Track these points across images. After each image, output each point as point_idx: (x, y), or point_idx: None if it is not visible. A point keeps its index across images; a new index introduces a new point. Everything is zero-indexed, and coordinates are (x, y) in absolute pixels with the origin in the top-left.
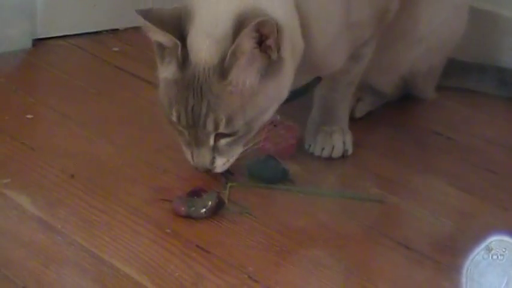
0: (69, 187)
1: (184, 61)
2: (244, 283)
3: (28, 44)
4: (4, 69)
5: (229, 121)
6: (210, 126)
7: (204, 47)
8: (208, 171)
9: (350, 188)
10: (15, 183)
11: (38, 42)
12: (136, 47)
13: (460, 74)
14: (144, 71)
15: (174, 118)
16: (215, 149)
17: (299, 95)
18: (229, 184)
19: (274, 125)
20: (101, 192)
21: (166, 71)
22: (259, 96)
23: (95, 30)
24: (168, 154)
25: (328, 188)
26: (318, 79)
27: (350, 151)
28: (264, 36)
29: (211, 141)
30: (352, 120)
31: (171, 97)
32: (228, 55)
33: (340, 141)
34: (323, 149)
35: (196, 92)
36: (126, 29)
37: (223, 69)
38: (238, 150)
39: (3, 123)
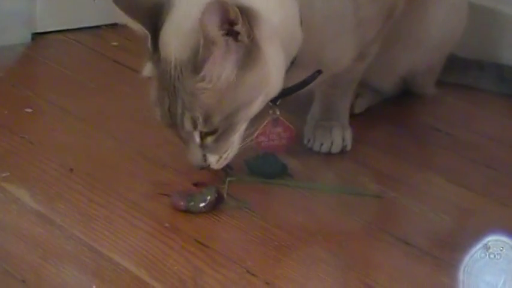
0: (68, 181)
1: (155, 56)
2: (242, 277)
3: (27, 38)
4: (3, 63)
5: (206, 119)
6: (188, 125)
7: (173, 41)
8: (206, 168)
9: (349, 183)
10: (15, 177)
11: (37, 36)
12: (135, 41)
13: (460, 70)
14: (143, 65)
15: (158, 118)
16: (204, 147)
17: (299, 88)
18: (228, 179)
19: (275, 124)
20: (100, 186)
21: (147, 68)
22: (238, 90)
23: (94, 24)
24: (167, 149)
25: (327, 183)
26: (318, 72)
27: (349, 147)
28: (232, 23)
29: (197, 140)
30: (351, 115)
31: (154, 98)
32: (201, 48)
33: (339, 136)
34: (322, 144)
35: (170, 90)
36: (125, 24)
37: (195, 64)
38: (229, 146)
39: (2, 117)
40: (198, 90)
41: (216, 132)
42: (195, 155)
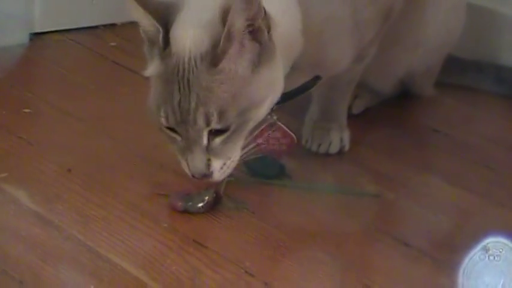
0: (67, 182)
1: (166, 50)
2: (241, 278)
3: (25, 38)
4: (1, 64)
5: (221, 114)
6: (200, 121)
7: (188, 36)
8: (206, 177)
9: (347, 184)
10: (13, 177)
11: (35, 36)
12: (134, 42)
13: (458, 71)
14: (142, 66)
15: (163, 120)
16: (209, 150)
17: (299, 93)
18: (226, 179)
19: (274, 129)
20: (98, 187)
21: (152, 67)
22: (252, 86)
23: (93, 25)
24: (165, 149)
25: (325, 183)
26: (317, 78)
27: (347, 147)
28: (253, 20)
29: (204, 140)
30: (350, 116)
31: (158, 96)
32: (222, 39)
33: (337, 137)
34: (320, 145)
35: (182, 84)
36: (123, 24)
37: (214, 57)
38: (234, 151)
39: (0, 118)
40: (214, 83)
41: (225, 132)
42: (199, 160)
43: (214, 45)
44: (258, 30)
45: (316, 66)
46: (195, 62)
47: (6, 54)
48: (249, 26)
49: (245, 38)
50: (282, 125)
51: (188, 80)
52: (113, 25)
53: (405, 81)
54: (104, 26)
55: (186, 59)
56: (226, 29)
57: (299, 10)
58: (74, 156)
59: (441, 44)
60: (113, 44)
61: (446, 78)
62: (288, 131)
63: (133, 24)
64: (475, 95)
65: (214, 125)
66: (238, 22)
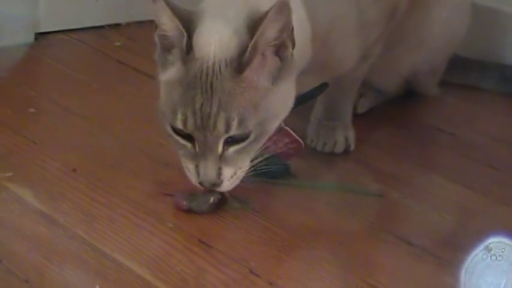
0: (71, 181)
1: (189, 55)
2: (246, 277)
3: (30, 38)
4: (6, 63)
5: (241, 121)
6: (221, 126)
7: (214, 41)
8: (215, 186)
9: (352, 183)
10: (18, 176)
11: (40, 36)
12: (139, 41)
13: (462, 70)
14: (147, 65)
15: (180, 123)
16: (222, 158)
17: (307, 100)
18: None
19: (282, 134)
20: (102, 186)
21: (170, 72)
22: (271, 99)
23: (97, 24)
24: (170, 148)
25: (329, 183)
26: (326, 85)
27: (352, 147)
28: (281, 32)
29: (220, 148)
30: (354, 116)
31: (175, 100)
32: (249, 48)
33: (342, 136)
34: (325, 144)
35: (205, 89)
36: (128, 24)
37: (239, 64)
38: (245, 161)
39: (5, 117)
40: (237, 90)
41: (241, 142)
42: (211, 168)
43: (240, 53)
44: (283, 44)
45: (322, 66)
46: (220, 67)
47: (11, 54)
48: (276, 38)
49: (268, 51)
50: (290, 130)
51: (211, 85)
52: (117, 25)
53: (410, 80)
54: (109, 25)
55: (210, 64)
56: (255, 38)
57: (308, 20)
58: (78, 155)
59: (446, 43)
60: (117, 43)
61: (450, 77)
62: (296, 136)
63: (138, 24)
64: (479, 94)
65: (234, 131)
66: (269, 32)
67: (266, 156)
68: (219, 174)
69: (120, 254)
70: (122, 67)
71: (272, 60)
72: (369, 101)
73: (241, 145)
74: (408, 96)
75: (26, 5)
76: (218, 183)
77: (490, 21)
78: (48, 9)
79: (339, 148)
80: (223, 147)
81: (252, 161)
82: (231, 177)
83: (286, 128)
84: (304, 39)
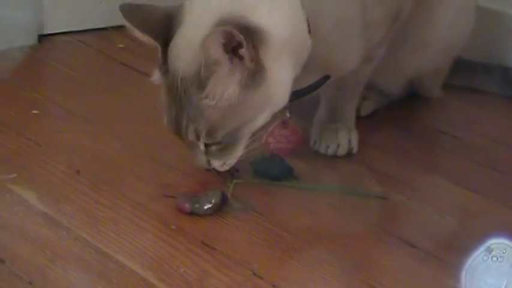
0: (75, 183)
1: (164, 67)
2: (248, 279)
3: (34, 40)
4: (10, 65)
5: (209, 133)
6: (191, 136)
7: (181, 55)
8: (211, 170)
9: (355, 185)
10: (21, 178)
11: (43, 38)
12: (142, 43)
13: (466, 73)
14: (150, 67)
15: (166, 124)
16: (208, 153)
17: (307, 93)
18: (234, 181)
19: (284, 126)
20: (106, 188)
21: (155, 76)
22: (241, 108)
23: (101, 26)
24: (173, 150)
25: (331, 185)
26: (326, 77)
27: (355, 149)
28: (236, 47)
29: (202, 147)
30: (358, 118)
31: (162, 103)
32: (203, 67)
33: (345, 139)
34: (328, 146)
35: (177, 101)
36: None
37: (200, 81)
38: (233, 155)
39: (9, 119)
40: (203, 105)
41: (220, 144)
42: (200, 160)
43: (198, 71)
44: (241, 58)
45: (325, 66)
46: (186, 82)
47: (14, 56)
48: (232, 53)
49: (233, 61)
50: (292, 122)
51: (181, 98)
52: (121, 27)
53: (414, 82)
54: (112, 27)
55: (179, 79)
56: (204, 59)
57: (303, 13)
58: (82, 157)
59: (450, 46)
60: (120, 45)
61: (454, 80)
62: (296, 127)
63: None
64: (482, 96)
65: (205, 140)
66: (214, 53)
67: (268, 157)
68: (209, 163)
69: (124, 256)
70: (125, 69)
71: (238, 70)
72: (372, 104)
73: (221, 146)
74: (411, 99)
75: (30, 7)
76: (211, 168)
77: (494, 24)
78: (51, 11)
79: (342, 151)
80: (204, 146)
81: (247, 147)
82: (221, 166)
83: (287, 118)
84: (298, 32)
